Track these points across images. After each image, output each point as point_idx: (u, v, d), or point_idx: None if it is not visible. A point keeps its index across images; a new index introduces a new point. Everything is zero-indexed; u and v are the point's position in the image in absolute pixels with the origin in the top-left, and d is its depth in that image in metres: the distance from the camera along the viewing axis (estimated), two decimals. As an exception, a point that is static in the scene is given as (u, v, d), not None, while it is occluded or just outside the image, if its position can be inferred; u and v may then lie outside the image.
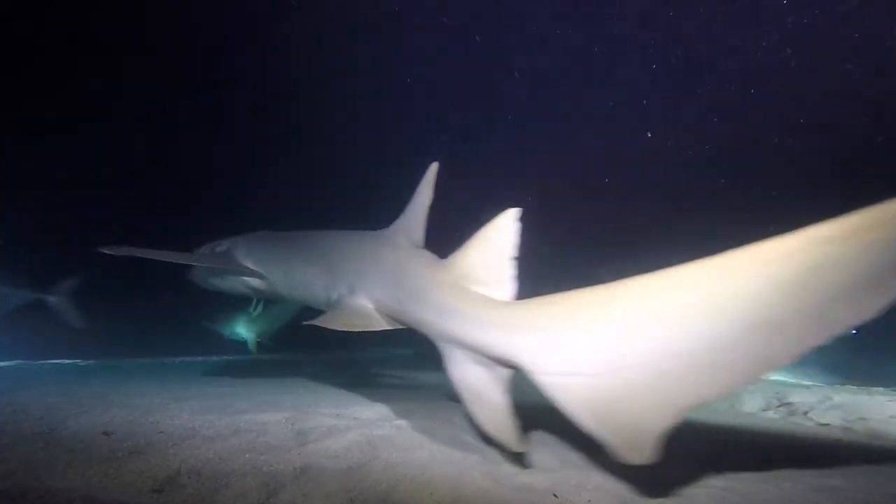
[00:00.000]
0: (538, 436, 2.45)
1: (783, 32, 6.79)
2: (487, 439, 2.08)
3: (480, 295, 2.07)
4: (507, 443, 1.96)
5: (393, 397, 3.18)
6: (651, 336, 1.58)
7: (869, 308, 1.35)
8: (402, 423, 2.49)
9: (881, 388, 4.07)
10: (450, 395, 2.59)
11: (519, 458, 2.01)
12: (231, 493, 1.59)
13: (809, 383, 4.84)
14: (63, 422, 2.15)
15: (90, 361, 5.68)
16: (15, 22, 7.18)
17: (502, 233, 2.10)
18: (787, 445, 2.88)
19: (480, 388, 2.04)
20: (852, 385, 4.47)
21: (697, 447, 2.48)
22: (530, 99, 9.42)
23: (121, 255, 3.17)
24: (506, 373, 1.99)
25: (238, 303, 6.76)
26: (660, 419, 1.54)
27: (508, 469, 1.96)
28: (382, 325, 2.56)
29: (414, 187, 2.71)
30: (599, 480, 1.87)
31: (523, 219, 2.08)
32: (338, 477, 1.74)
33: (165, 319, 7.11)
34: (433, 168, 2.60)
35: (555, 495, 1.71)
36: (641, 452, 1.54)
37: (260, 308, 6.96)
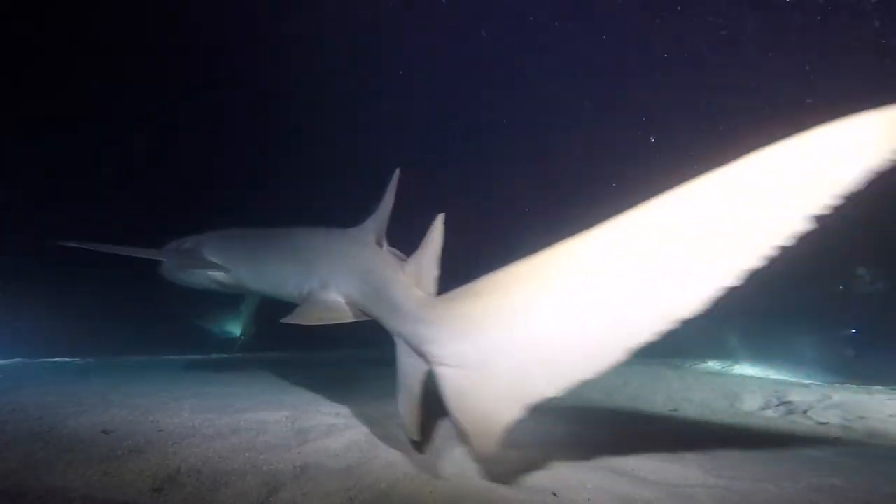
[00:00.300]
0: (540, 435, 2.45)
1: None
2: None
3: (416, 292, 2.20)
4: (408, 429, 2.09)
5: (392, 396, 3.17)
6: (505, 330, 1.63)
7: (703, 296, 1.31)
8: (402, 421, 2.49)
9: (881, 388, 4.05)
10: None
11: (417, 445, 2.10)
12: (231, 491, 1.59)
13: (809, 382, 4.83)
14: (63, 421, 2.14)
15: (89, 360, 5.65)
16: (15, 22, 7.18)
17: (434, 235, 2.26)
18: (786, 444, 2.88)
19: (407, 375, 2.17)
20: (852, 384, 4.46)
21: (697, 446, 2.48)
22: (530, 99, 9.42)
23: (90, 249, 3.28)
24: (423, 364, 2.07)
25: (229, 300, 6.73)
26: (506, 412, 1.62)
27: (508, 467, 1.96)
28: (352, 317, 2.74)
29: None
30: (599, 479, 1.87)
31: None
32: (338, 476, 1.74)
33: (164, 318, 7.11)
34: (396, 174, 2.76)
35: (554, 494, 1.71)
36: (487, 443, 1.64)
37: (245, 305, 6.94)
